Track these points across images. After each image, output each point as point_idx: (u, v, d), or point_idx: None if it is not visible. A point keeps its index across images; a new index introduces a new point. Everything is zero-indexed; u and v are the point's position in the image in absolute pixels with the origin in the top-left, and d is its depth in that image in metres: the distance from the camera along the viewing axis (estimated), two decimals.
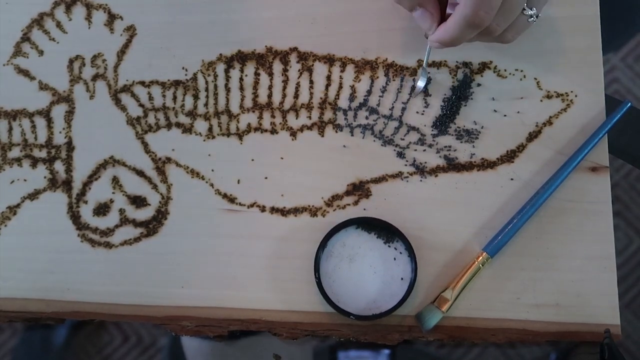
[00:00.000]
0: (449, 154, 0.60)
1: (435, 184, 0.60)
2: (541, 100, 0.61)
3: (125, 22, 0.64)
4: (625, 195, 0.61)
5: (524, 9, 0.53)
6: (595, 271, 0.58)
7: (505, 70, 0.61)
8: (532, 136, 0.60)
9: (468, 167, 0.60)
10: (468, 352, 0.59)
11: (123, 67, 0.63)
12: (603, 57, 0.62)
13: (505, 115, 0.61)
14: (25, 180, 0.61)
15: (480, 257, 0.57)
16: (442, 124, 0.61)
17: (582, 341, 0.57)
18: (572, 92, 0.61)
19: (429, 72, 0.61)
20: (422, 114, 0.61)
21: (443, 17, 0.55)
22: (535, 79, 0.61)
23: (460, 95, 0.61)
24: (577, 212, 0.59)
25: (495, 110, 0.61)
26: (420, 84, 0.60)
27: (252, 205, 0.60)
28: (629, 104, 0.59)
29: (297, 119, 0.62)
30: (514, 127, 0.60)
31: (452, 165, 0.60)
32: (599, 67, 0.61)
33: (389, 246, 0.58)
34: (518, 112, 0.61)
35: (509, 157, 0.60)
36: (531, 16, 0.53)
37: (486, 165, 0.60)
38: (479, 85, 0.61)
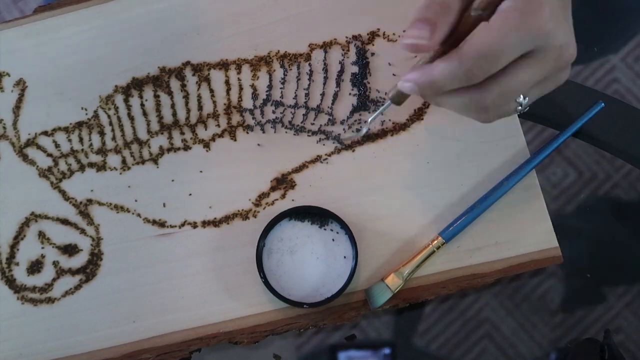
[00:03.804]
0: (361, 127, 0.61)
1: (355, 159, 0.61)
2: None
3: (13, 78, 0.63)
4: (626, 196, 0.63)
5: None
6: (523, 202, 0.59)
7: (394, 34, 0.63)
8: None
9: (382, 134, 0.61)
10: (468, 352, 0.60)
11: (22, 122, 0.62)
12: (603, 58, 0.63)
13: None
14: None
15: (435, 241, 0.58)
16: (362, 104, 0.62)
17: (582, 340, 0.59)
18: None
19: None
20: (323, 94, 0.62)
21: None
22: None
23: (363, 70, 0.62)
24: (492, 151, 0.60)
25: (394, 74, 0.62)
26: (364, 130, 0.57)
27: (183, 225, 0.60)
28: (602, 105, 0.61)
29: (206, 130, 0.62)
30: None
31: (366, 137, 0.61)
32: None
33: (325, 229, 0.59)
34: None
35: (418, 115, 0.61)
36: (520, 105, 0.48)
37: (398, 128, 0.61)
38: (373, 54, 0.62)
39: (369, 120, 0.53)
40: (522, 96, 0.48)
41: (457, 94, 0.47)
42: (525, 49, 0.45)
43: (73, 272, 0.60)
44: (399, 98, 0.50)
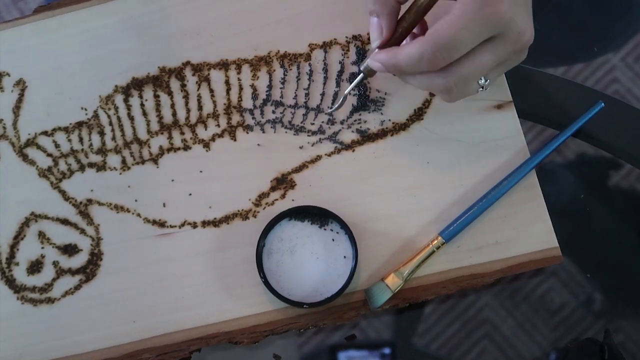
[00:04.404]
0: (361, 127, 0.61)
1: (355, 159, 0.61)
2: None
3: (13, 78, 0.63)
4: (626, 196, 0.63)
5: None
6: (523, 202, 0.59)
7: None
8: None
9: (381, 134, 0.61)
10: (468, 352, 0.60)
11: (22, 122, 0.62)
12: (603, 57, 0.64)
13: None
14: None
15: (435, 241, 0.58)
16: (362, 102, 0.62)
17: (582, 340, 0.59)
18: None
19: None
20: (323, 94, 0.62)
21: (393, 43, 0.53)
22: None
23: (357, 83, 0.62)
24: (492, 151, 0.60)
25: (394, 74, 0.62)
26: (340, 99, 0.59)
27: (183, 225, 0.60)
28: (602, 105, 0.61)
29: (206, 130, 0.62)
30: None
31: (366, 137, 0.61)
32: None
33: (325, 229, 0.59)
34: None
35: (418, 115, 0.61)
36: (482, 87, 0.52)
37: (398, 128, 0.61)
38: None
39: (347, 91, 0.57)
40: (483, 78, 0.51)
41: (421, 75, 0.51)
42: (484, 37, 0.48)
43: (73, 272, 0.60)
44: (370, 72, 0.55)
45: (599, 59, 0.65)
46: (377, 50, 0.53)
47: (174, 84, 0.63)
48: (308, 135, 0.61)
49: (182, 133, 0.62)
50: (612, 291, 0.61)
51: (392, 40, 0.53)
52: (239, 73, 0.63)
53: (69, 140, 0.62)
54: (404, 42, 0.54)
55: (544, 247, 0.58)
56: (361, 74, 0.56)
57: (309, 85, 0.62)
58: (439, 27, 0.48)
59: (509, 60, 0.51)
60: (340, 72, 0.62)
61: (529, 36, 0.50)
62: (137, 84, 0.63)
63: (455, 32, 0.47)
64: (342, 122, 0.62)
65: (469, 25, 0.47)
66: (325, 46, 0.63)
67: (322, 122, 0.62)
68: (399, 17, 0.53)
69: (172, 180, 0.61)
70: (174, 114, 0.62)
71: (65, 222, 0.61)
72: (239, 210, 0.60)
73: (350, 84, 0.61)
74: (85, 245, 0.60)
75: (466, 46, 0.48)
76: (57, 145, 0.62)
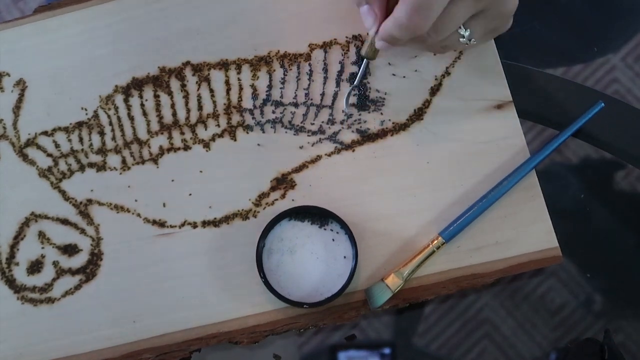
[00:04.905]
0: (361, 127, 0.61)
1: (355, 159, 0.61)
2: (434, 54, 0.62)
3: (13, 78, 0.63)
4: (626, 196, 0.63)
5: (459, 28, 0.53)
6: (523, 202, 0.59)
7: None
8: (434, 90, 0.62)
9: (381, 134, 0.61)
10: (468, 352, 0.60)
11: (22, 122, 0.62)
12: (603, 58, 0.64)
13: (404, 77, 0.62)
14: None
15: (435, 241, 0.58)
16: (362, 103, 0.62)
17: (582, 340, 0.59)
18: None
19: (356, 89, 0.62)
20: (323, 94, 0.62)
21: None
22: None
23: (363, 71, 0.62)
24: (492, 151, 0.60)
25: (393, 74, 0.62)
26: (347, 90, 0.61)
27: (183, 225, 0.60)
28: (602, 105, 0.61)
29: (206, 130, 0.62)
30: (416, 85, 0.62)
31: (366, 137, 0.61)
32: None
33: (325, 229, 0.59)
34: (415, 70, 0.62)
35: (418, 115, 0.61)
36: (463, 36, 0.54)
37: (398, 128, 0.61)
38: None
39: (355, 82, 0.59)
40: (463, 28, 0.53)
41: (411, 42, 0.54)
42: None
43: (73, 272, 0.60)
44: (372, 54, 0.56)
45: (599, 59, 0.65)
46: (374, 35, 0.55)
47: (174, 84, 0.63)
48: (308, 135, 0.61)
49: (182, 133, 0.62)
50: (612, 291, 0.61)
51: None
52: (239, 73, 0.63)
53: (69, 140, 0.62)
54: None
55: (544, 247, 0.58)
56: (364, 60, 0.57)
57: (309, 85, 0.62)
58: None
59: (489, 9, 0.52)
60: (340, 72, 0.62)
61: None
62: (137, 84, 0.63)
63: None
64: (341, 122, 0.62)
65: None
66: (325, 46, 0.63)
67: (322, 122, 0.62)
68: None
69: (172, 180, 0.61)
70: (174, 114, 0.62)
71: (65, 222, 0.61)
72: (239, 210, 0.60)
73: (351, 83, 0.62)
74: (85, 245, 0.60)
75: (439, 5, 0.49)
76: (57, 145, 0.62)
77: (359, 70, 0.60)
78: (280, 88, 0.62)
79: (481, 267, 0.58)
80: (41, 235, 0.61)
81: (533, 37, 0.66)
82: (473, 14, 0.52)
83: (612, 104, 0.63)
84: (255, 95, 0.62)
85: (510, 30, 0.57)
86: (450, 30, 0.52)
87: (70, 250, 0.60)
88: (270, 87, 0.62)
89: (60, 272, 0.60)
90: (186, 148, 0.62)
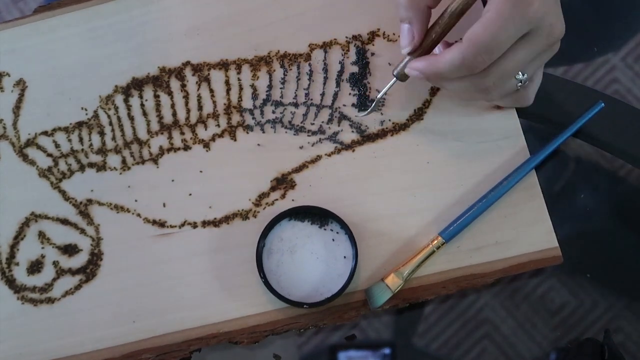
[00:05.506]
0: (361, 127, 0.61)
1: (355, 159, 0.61)
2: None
3: (13, 78, 0.63)
4: (626, 196, 0.63)
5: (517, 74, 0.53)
6: (523, 202, 0.59)
7: (394, 34, 0.63)
8: (435, 90, 0.62)
9: (381, 134, 0.61)
10: (468, 352, 0.60)
11: (22, 122, 0.63)
12: (603, 57, 0.64)
13: None
14: None
15: (435, 241, 0.58)
16: (362, 103, 0.62)
17: (582, 340, 0.59)
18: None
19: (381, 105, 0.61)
20: (323, 94, 0.62)
21: (424, 52, 0.55)
22: None
23: (363, 70, 0.62)
24: (492, 151, 0.60)
25: (394, 74, 0.62)
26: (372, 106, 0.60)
27: (183, 225, 0.60)
28: (602, 105, 0.61)
29: (206, 130, 0.62)
30: (416, 86, 0.62)
31: (366, 137, 0.61)
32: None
33: (325, 229, 0.59)
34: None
35: (418, 115, 0.61)
36: (521, 81, 0.53)
37: (398, 128, 0.61)
38: (373, 54, 0.62)
39: (379, 96, 0.58)
40: (520, 73, 0.52)
41: (460, 79, 0.53)
42: (520, 34, 0.50)
43: (73, 272, 0.60)
44: (403, 77, 0.56)
45: (599, 59, 0.65)
46: (408, 56, 0.55)
47: (174, 84, 0.63)
48: (308, 135, 0.61)
49: (182, 133, 0.62)
50: (612, 291, 0.61)
51: (423, 45, 0.54)
52: (239, 73, 0.63)
53: (69, 140, 0.62)
54: (436, 48, 0.55)
55: (544, 247, 0.58)
56: (394, 79, 0.57)
57: (309, 85, 0.62)
58: (477, 31, 0.49)
59: (543, 53, 0.53)
60: (340, 72, 0.62)
61: (560, 28, 0.51)
62: (137, 84, 0.63)
63: (494, 34, 0.48)
64: (340, 123, 0.61)
65: (506, 25, 0.48)
66: (325, 46, 0.63)
67: (322, 122, 0.62)
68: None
69: (172, 180, 0.61)
70: (174, 114, 0.62)
71: (65, 222, 0.61)
72: (239, 210, 0.60)
73: (354, 85, 0.62)
74: (85, 245, 0.60)
75: (504, 46, 0.50)
76: (57, 145, 0.62)
77: (358, 75, 0.59)
78: (280, 88, 0.62)
79: (481, 267, 0.58)
80: (41, 235, 0.61)
81: None
82: (533, 58, 0.52)
83: (612, 104, 0.63)
84: (255, 95, 0.62)
85: None
86: (512, 75, 0.52)
87: (70, 250, 0.60)
88: (270, 87, 0.62)
89: (61, 272, 0.60)
90: (186, 148, 0.62)
